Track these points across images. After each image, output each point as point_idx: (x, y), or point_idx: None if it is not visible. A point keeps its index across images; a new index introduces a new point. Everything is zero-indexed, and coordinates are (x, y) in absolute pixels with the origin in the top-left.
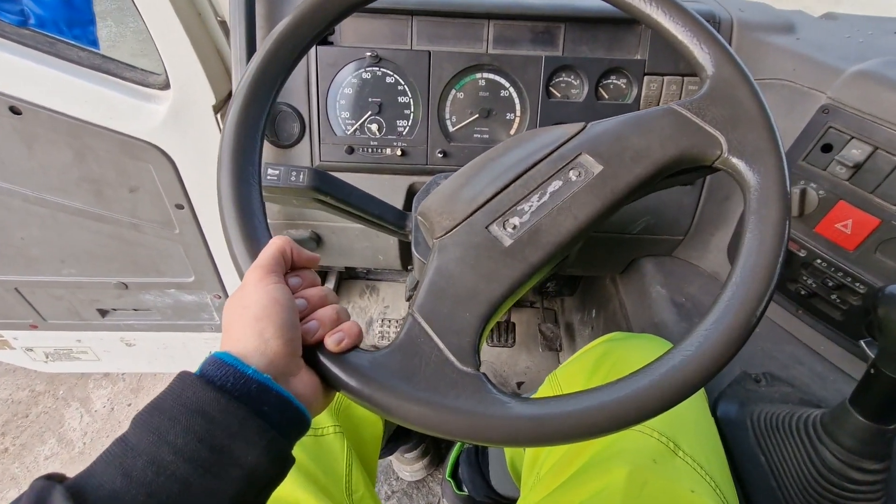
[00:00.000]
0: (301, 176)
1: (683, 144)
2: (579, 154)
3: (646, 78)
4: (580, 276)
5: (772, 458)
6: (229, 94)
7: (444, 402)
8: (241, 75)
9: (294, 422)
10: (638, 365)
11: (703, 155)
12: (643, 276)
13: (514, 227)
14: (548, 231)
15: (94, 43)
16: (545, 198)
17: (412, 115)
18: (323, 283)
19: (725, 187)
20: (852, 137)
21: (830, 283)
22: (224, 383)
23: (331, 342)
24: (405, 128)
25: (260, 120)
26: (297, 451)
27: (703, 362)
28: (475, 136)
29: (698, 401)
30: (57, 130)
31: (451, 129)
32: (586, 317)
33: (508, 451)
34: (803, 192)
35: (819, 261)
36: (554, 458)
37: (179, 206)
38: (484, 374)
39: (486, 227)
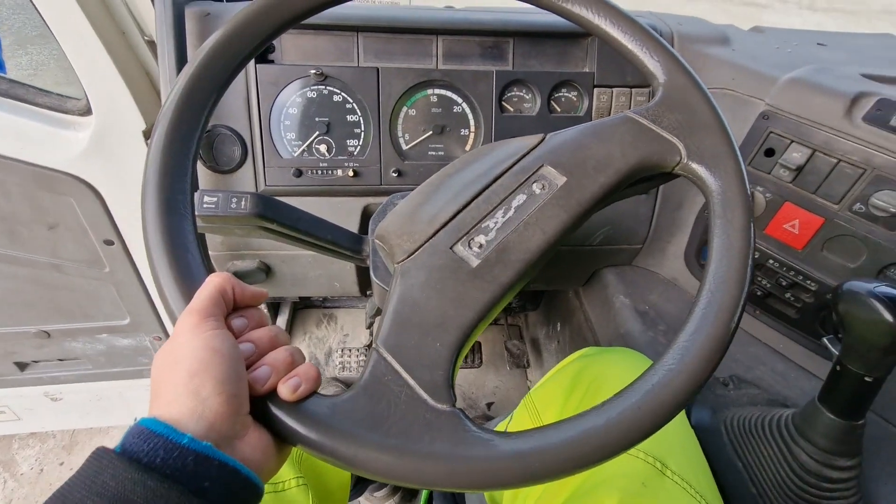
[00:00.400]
0: (242, 202)
1: (643, 151)
2: (541, 166)
3: (596, 90)
4: (543, 290)
5: (748, 462)
6: None
7: (419, 449)
8: (168, 93)
9: (242, 494)
10: (617, 381)
11: (663, 161)
12: (605, 287)
13: (481, 246)
14: (516, 248)
15: (0, 67)
16: (510, 213)
17: (363, 133)
18: (276, 316)
19: (678, 195)
20: (792, 141)
21: (784, 283)
22: (152, 459)
23: (285, 389)
24: (356, 147)
25: (190, 142)
26: None
27: (689, 375)
28: (430, 153)
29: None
30: None
31: (404, 147)
32: (551, 331)
33: None
34: (751, 196)
35: (771, 261)
36: (537, 491)
37: (109, 242)
38: (461, 410)
39: (451, 248)
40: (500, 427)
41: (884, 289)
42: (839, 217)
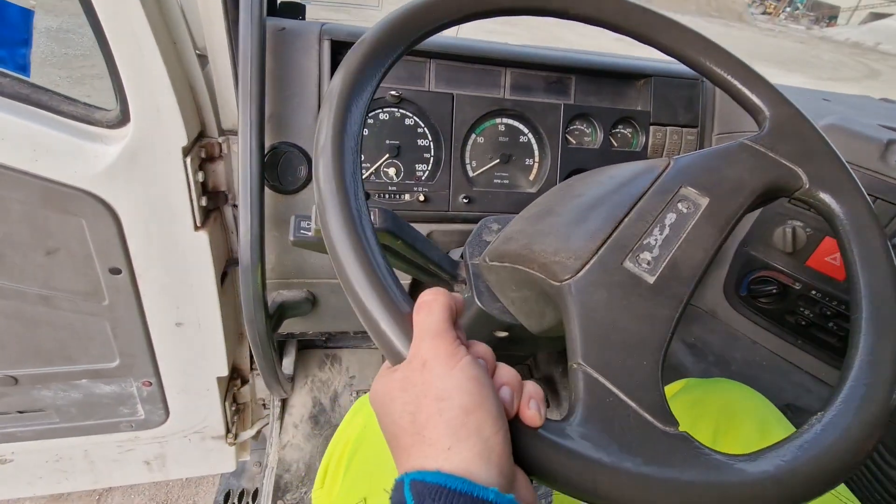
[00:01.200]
0: (373, 215)
1: (770, 175)
2: (681, 186)
3: (652, 128)
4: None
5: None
6: (198, 136)
7: (671, 477)
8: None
9: None
10: (746, 412)
11: (787, 186)
12: None
13: (649, 263)
14: (685, 264)
15: (24, 69)
16: (667, 230)
17: (432, 158)
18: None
19: None
20: None
21: (827, 312)
22: None
23: (531, 414)
24: (424, 172)
25: (357, 148)
26: None
27: (887, 387)
28: (495, 181)
29: None
30: None
31: (471, 174)
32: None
33: None
34: (794, 230)
35: (814, 292)
36: None
37: (115, 271)
38: (686, 432)
39: (622, 264)
40: None
41: None
42: None
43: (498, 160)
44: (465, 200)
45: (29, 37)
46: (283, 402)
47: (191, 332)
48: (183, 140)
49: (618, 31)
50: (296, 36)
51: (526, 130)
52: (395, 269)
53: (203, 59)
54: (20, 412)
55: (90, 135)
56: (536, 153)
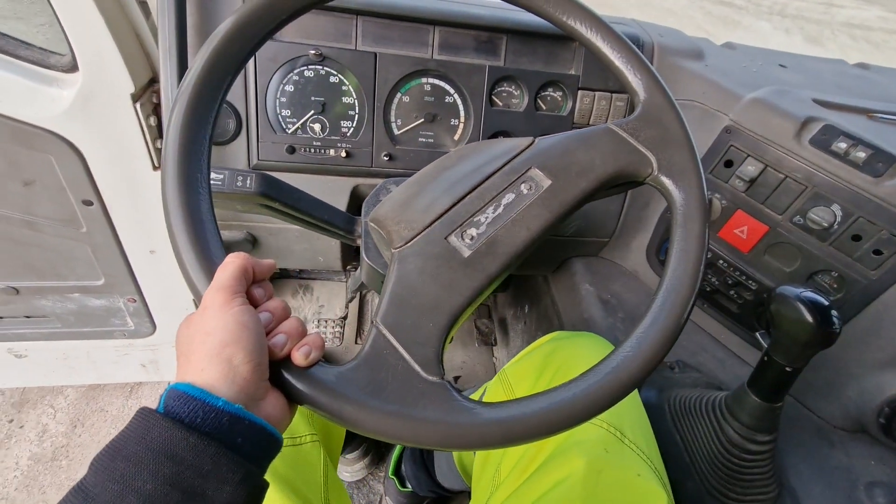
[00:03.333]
0: (248, 181)
1: (621, 162)
2: (529, 168)
3: (579, 92)
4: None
5: (685, 436)
6: (149, 82)
7: (415, 414)
8: (188, 72)
9: (267, 448)
10: (584, 363)
11: (637, 172)
12: (573, 275)
13: (472, 238)
14: (504, 242)
15: None
16: (500, 210)
17: (356, 116)
18: None
19: (645, 195)
20: (748, 155)
21: (729, 281)
22: (193, 419)
23: (299, 356)
24: (349, 129)
25: (207, 122)
26: (277, 461)
27: (643, 360)
28: (420, 139)
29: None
30: None
31: (396, 132)
32: (519, 312)
33: None
34: (710, 202)
35: (721, 261)
36: (513, 457)
37: (88, 203)
38: (449, 381)
39: (445, 238)
40: (474, 397)
41: (809, 294)
42: (781, 226)
43: (423, 119)
44: (385, 158)
45: None
46: None
47: (166, 258)
48: (130, 87)
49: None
50: None
51: (452, 91)
52: (298, 219)
53: (145, 7)
54: (27, 317)
55: (47, 78)
56: (462, 114)
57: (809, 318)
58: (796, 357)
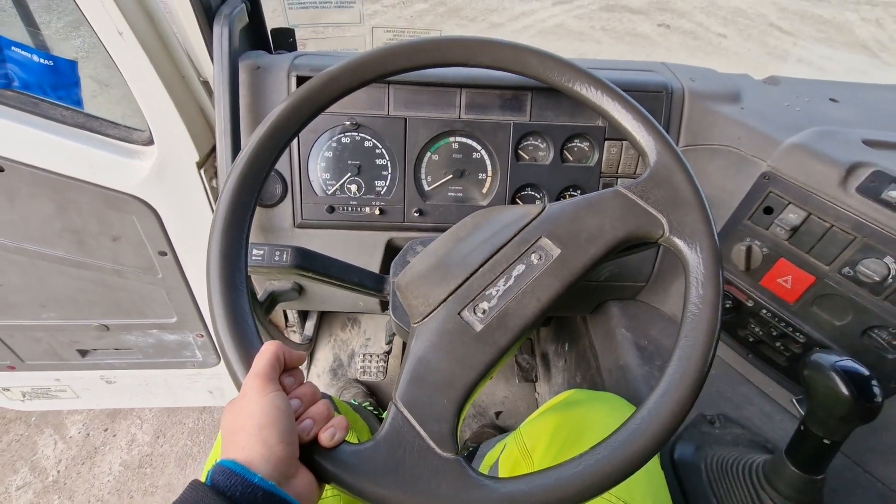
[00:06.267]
0: (284, 255)
1: (631, 225)
2: (539, 237)
3: (606, 143)
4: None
5: (722, 499)
6: (212, 150)
7: (429, 491)
8: (226, 176)
9: None
10: (598, 429)
11: (649, 234)
12: (609, 319)
13: (484, 312)
14: (514, 314)
15: (78, 103)
16: (510, 282)
17: (389, 175)
18: (304, 319)
19: None
20: (789, 203)
21: (774, 332)
22: (233, 493)
23: (325, 438)
24: (383, 187)
25: (244, 222)
26: None
27: (653, 434)
28: (450, 194)
29: None
30: (39, 185)
31: (426, 188)
32: (560, 349)
33: None
34: (749, 249)
35: (764, 311)
36: None
37: (163, 253)
38: (463, 457)
39: (459, 314)
40: (492, 455)
41: (845, 363)
42: (829, 277)
43: (451, 175)
44: (416, 213)
45: (78, 80)
46: (311, 356)
47: None
48: (195, 156)
49: (514, 72)
50: (267, 72)
51: (479, 147)
52: (332, 284)
53: (208, 87)
54: (115, 349)
55: (130, 152)
56: (489, 168)
57: (845, 390)
58: (833, 430)
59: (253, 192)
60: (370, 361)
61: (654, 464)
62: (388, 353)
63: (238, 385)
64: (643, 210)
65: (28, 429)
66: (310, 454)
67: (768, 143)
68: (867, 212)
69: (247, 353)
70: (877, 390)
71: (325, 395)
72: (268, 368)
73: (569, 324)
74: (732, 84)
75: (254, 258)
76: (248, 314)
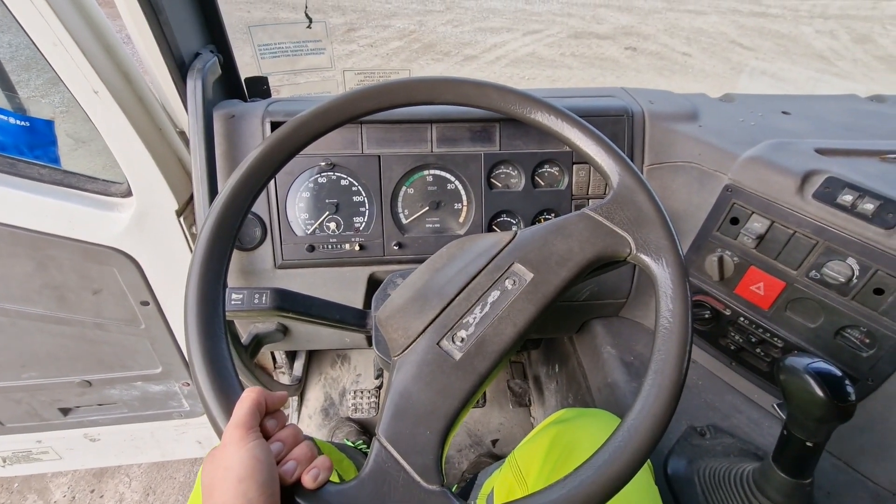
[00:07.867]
0: (264, 298)
1: (599, 246)
2: (512, 263)
3: (574, 166)
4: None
5: None
6: (191, 197)
7: None
8: (202, 223)
9: None
10: (588, 446)
11: (616, 253)
12: (595, 337)
13: (462, 340)
14: (492, 340)
15: (56, 160)
16: (486, 308)
17: (367, 211)
18: (293, 359)
19: None
20: (753, 212)
21: (753, 339)
22: None
23: (308, 479)
24: (362, 223)
25: (221, 268)
26: None
27: (634, 452)
28: (427, 225)
29: (641, 472)
30: (19, 244)
31: (404, 221)
32: (551, 370)
33: None
34: (721, 259)
35: (742, 319)
36: None
37: (145, 303)
38: (447, 489)
39: (438, 343)
40: (490, 483)
41: (818, 365)
42: (798, 282)
43: (428, 207)
44: (396, 247)
45: (54, 138)
46: (301, 396)
47: None
48: (174, 205)
49: (478, 106)
50: (242, 120)
51: (452, 179)
52: (314, 323)
53: (184, 136)
54: (99, 405)
55: (108, 204)
56: (464, 198)
57: (820, 392)
58: (814, 432)
59: (229, 238)
60: (361, 398)
61: (649, 481)
62: (380, 387)
63: (220, 435)
64: (609, 230)
65: (10, 496)
66: (293, 497)
67: (727, 158)
68: (825, 216)
69: (227, 402)
70: (850, 389)
71: (306, 437)
72: (247, 417)
73: (557, 345)
74: (689, 104)
75: (233, 303)
76: (228, 361)
